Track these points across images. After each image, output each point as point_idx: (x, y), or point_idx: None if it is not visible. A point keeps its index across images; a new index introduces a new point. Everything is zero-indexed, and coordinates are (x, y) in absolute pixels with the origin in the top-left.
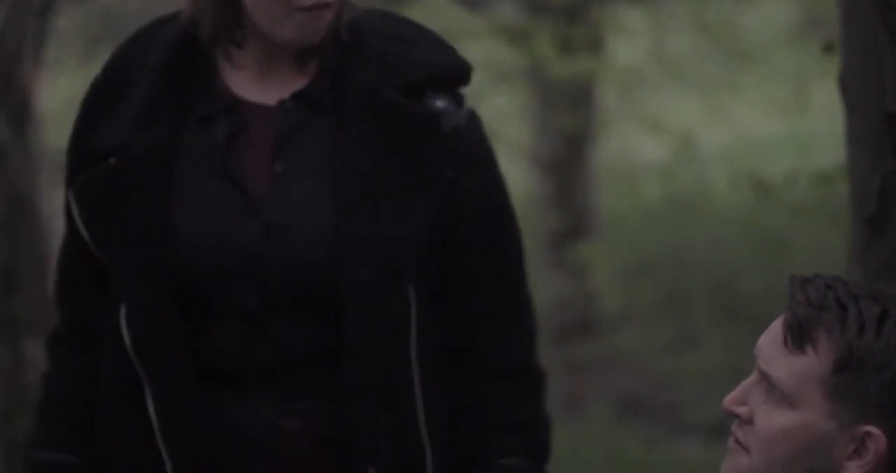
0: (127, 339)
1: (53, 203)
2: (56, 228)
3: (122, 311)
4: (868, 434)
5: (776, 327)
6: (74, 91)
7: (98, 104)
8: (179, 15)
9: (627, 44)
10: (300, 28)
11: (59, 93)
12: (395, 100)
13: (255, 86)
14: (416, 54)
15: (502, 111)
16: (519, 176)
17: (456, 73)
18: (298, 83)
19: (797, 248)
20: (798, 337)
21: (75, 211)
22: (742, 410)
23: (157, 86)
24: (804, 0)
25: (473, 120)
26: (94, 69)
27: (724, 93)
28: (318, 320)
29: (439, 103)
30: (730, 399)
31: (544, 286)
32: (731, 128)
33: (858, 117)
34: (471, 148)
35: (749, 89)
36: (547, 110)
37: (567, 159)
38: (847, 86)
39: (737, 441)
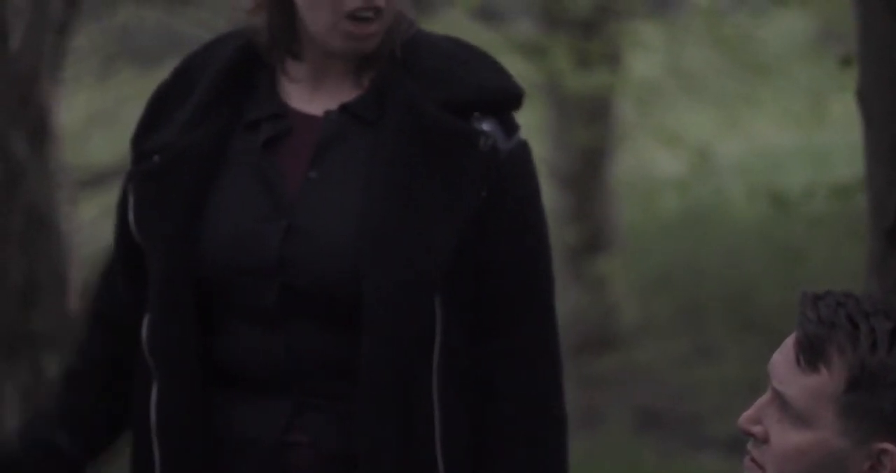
0: (144, 333)
1: (72, 219)
2: (74, 245)
3: (148, 307)
4: (884, 451)
5: (788, 345)
6: (92, 108)
7: (159, 105)
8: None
9: (644, 58)
10: (348, 36)
11: (77, 111)
12: (437, 115)
13: (307, 97)
14: (467, 74)
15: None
16: None
17: (505, 97)
18: (349, 96)
19: (815, 261)
20: (810, 355)
21: (130, 203)
22: (757, 429)
23: (212, 92)
24: (821, 13)
25: (522, 148)
26: (112, 86)
27: (741, 106)
28: (336, 328)
29: (485, 126)
30: (745, 418)
31: (562, 299)
32: (748, 141)
33: (876, 130)
34: (511, 173)
35: (766, 102)
36: (564, 124)
37: (584, 173)
38: (865, 99)
39: (753, 460)
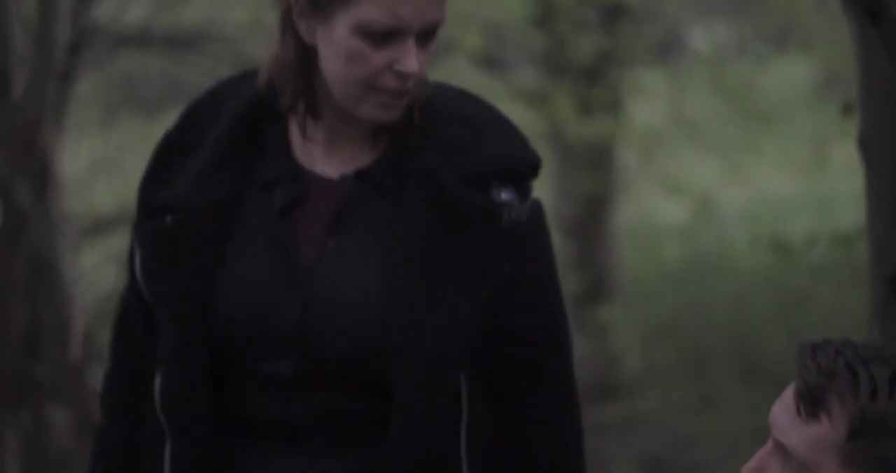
0: (157, 393)
1: (75, 267)
2: (77, 292)
3: (159, 365)
4: None
5: (788, 396)
6: (95, 156)
7: (167, 156)
8: (257, 73)
9: (646, 105)
10: (380, 107)
11: (80, 158)
12: (457, 188)
13: (321, 158)
14: (486, 144)
15: None
16: None
17: (525, 168)
18: (365, 159)
19: (818, 309)
20: (810, 404)
21: (136, 258)
22: None
23: (224, 147)
24: (823, 60)
25: (536, 212)
26: (115, 134)
27: (744, 153)
28: (355, 394)
29: (504, 195)
30: (747, 469)
31: None
32: (750, 189)
33: (877, 176)
34: (529, 242)
35: (768, 150)
36: (567, 172)
37: (587, 221)
38: (866, 146)
39: None
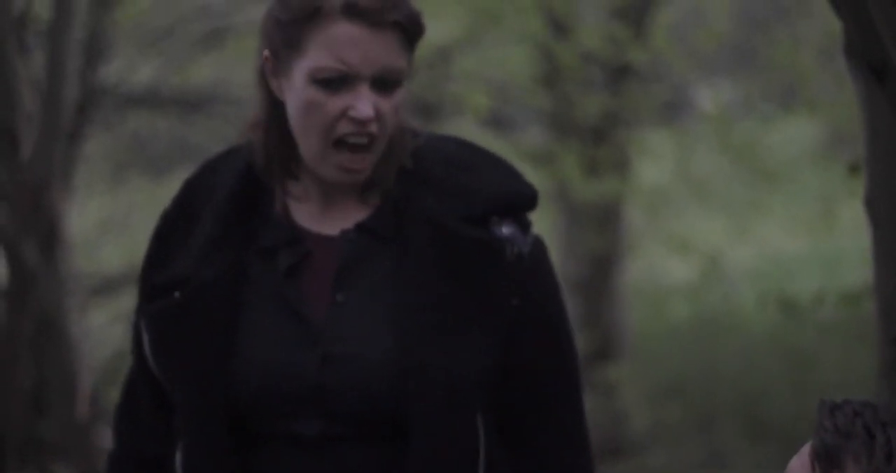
0: (178, 468)
1: (82, 326)
2: (84, 351)
3: (181, 441)
4: None
5: (805, 452)
6: (104, 215)
7: (167, 237)
8: (243, 147)
9: (653, 165)
10: (338, 167)
11: (89, 218)
12: (458, 228)
13: (317, 217)
14: (481, 182)
15: None
16: None
17: (521, 201)
18: (362, 213)
19: (825, 367)
20: (825, 463)
21: (145, 339)
22: None
23: (222, 220)
24: (829, 119)
25: (538, 246)
26: (124, 193)
27: (751, 212)
28: (380, 447)
29: (505, 230)
30: None
31: None
32: (757, 248)
33: (884, 235)
34: (534, 275)
35: (775, 209)
36: (574, 231)
37: (594, 280)
38: (872, 205)
39: None
